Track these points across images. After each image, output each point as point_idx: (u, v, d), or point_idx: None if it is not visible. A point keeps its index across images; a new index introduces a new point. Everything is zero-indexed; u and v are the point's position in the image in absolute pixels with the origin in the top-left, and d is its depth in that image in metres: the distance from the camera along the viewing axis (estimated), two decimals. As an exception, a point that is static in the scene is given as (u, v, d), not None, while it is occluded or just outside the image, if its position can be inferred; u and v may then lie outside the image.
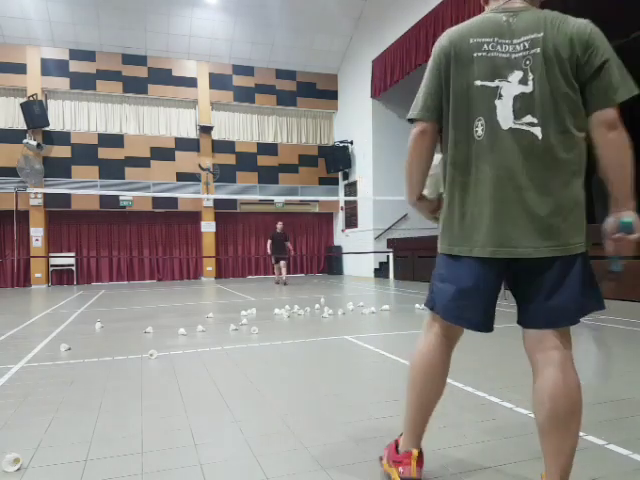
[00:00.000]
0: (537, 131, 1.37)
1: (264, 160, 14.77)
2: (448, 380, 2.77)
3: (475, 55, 1.41)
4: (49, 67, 12.86)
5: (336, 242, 15.62)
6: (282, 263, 11.61)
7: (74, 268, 13.30)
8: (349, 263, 14.71)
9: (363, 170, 13.77)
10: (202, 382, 3.01)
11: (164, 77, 13.83)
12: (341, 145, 14.46)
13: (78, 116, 13.35)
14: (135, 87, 13.60)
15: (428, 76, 1.50)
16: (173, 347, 4.12)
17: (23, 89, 12.68)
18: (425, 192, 1.61)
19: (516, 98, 1.39)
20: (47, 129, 12.78)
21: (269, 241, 11.67)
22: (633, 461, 1.78)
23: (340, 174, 15.11)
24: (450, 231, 1.49)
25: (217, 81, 14.29)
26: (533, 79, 1.38)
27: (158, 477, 1.75)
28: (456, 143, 1.45)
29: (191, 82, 14.06)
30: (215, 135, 14.36)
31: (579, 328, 1.54)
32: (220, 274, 14.61)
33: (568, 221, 1.38)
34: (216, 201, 14.11)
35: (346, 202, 14.82)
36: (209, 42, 13.68)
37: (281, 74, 14.83)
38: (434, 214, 1.63)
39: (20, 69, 12.65)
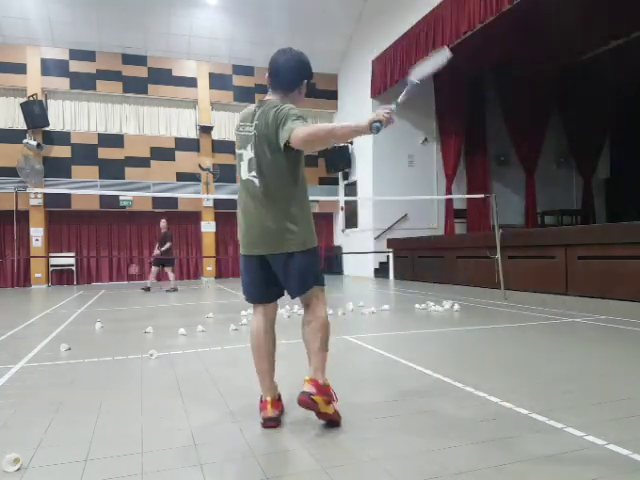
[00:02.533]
0: (256, 181, 2.24)
1: (264, 160, 14.75)
2: (448, 380, 2.79)
3: (236, 132, 2.36)
4: (49, 67, 12.85)
5: (336, 242, 15.63)
6: (168, 268, 10.53)
7: (74, 268, 13.30)
8: (349, 263, 14.71)
9: (363, 170, 13.76)
10: (202, 382, 3.01)
11: (164, 77, 13.83)
12: (341, 145, 14.45)
13: (78, 116, 13.35)
14: (135, 87, 13.59)
15: None
16: (173, 347, 4.12)
17: (23, 89, 12.68)
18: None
19: (249, 160, 2.26)
20: (47, 129, 12.78)
21: (157, 244, 10.64)
22: (633, 461, 1.77)
23: (340, 174, 15.11)
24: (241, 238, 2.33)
25: (217, 81, 14.29)
26: (254, 149, 2.24)
27: (158, 477, 1.75)
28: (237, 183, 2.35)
29: (191, 82, 14.06)
30: (215, 135, 14.36)
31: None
32: (220, 274, 14.62)
33: (278, 233, 2.20)
34: (216, 201, 14.10)
35: (346, 202, 14.82)
36: (209, 42, 13.68)
37: (281, 74, 14.81)
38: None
39: (20, 69, 12.65)
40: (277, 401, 2.28)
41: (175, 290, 10.20)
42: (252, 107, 2.33)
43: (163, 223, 10.70)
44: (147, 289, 10.32)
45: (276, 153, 2.19)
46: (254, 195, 2.24)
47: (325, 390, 2.15)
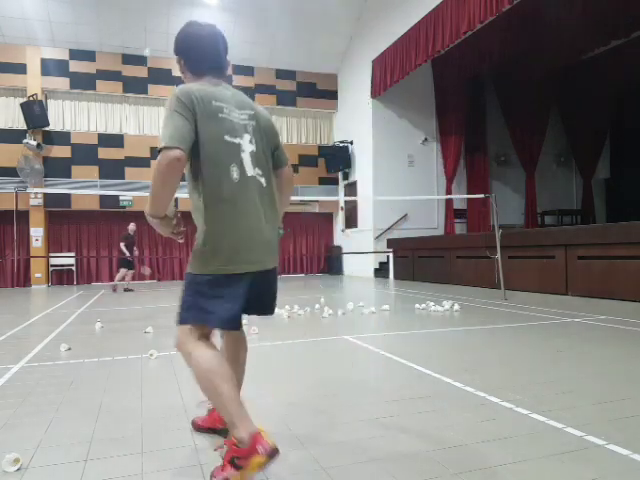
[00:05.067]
0: (262, 180, 1.86)
1: (264, 160, 14.75)
2: (448, 380, 2.79)
3: (220, 115, 1.78)
4: (49, 67, 12.85)
5: (336, 242, 15.62)
6: (130, 272, 10.72)
7: (74, 268, 13.30)
8: (349, 263, 14.71)
9: (363, 170, 13.76)
10: (202, 382, 3.01)
11: (164, 77, 13.83)
12: (341, 145, 14.46)
13: (78, 116, 13.35)
14: (135, 87, 13.59)
15: (176, 117, 1.67)
16: (173, 347, 4.11)
17: (23, 89, 12.68)
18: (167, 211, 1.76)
19: (250, 154, 1.84)
20: (47, 129, 12.78)
21: (122, 244, 10.63)
22: (633, 461, 1.78)
23: (340, 174, 15.11)
24: (220, 254, 1.74)
25: (217, 81, 14.28)
26: (255, 142, 1.87)
27: (158, 477, 1.75)
28: (219, 181, 1.75)
29: (191, 82, 14.05)
30: (215, 135, 14.35)
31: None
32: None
33: (275, 242, 1.91)
34: (216, 201, 14.10)
35: (346, 202, 14.83)
36: (209, 42, 13.66)
37: (281, 74, 14.83)
38: (174, 229, 1.82)
39: (20, 69, 12.65)
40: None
41: (115, 290, 10.66)
42: (222, 89, 1.88)
43: (132, 226, 10.89)
44: (129, 289, 10.70)
45: (269, 154, 1.97)
46: (261, 197, 1.84)
47: None
